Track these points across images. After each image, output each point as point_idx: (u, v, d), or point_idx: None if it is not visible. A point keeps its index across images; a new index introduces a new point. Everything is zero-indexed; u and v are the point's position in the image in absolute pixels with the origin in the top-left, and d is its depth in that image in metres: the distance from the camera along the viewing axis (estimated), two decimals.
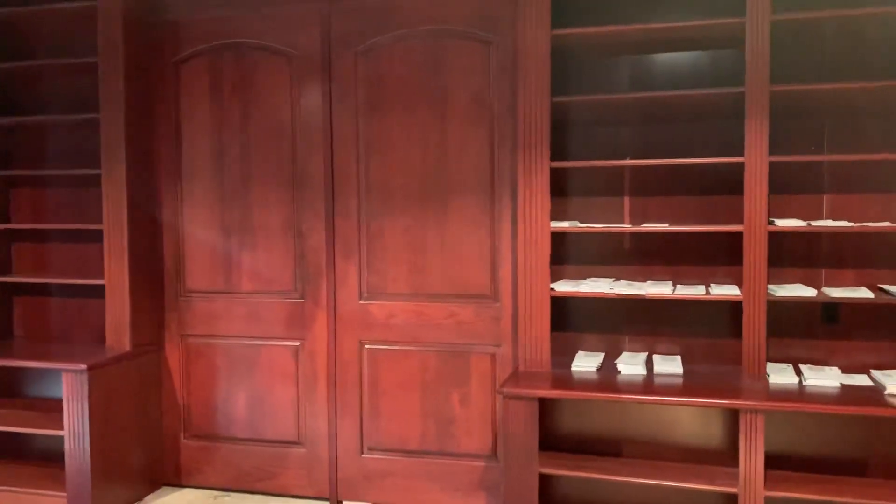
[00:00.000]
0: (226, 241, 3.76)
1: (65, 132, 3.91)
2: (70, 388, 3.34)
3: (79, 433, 3.34)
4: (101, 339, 3.74)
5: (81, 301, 3.92)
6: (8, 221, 3.97)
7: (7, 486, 3.55)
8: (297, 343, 3.69)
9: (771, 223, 2.95)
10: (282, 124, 3.66)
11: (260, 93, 3.67)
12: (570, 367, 3.18)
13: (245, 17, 3.66)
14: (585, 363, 3.17)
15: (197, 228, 3.80)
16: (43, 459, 3.78)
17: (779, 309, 3.06)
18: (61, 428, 3.38)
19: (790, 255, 3.13)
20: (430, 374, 3.53)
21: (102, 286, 3.66)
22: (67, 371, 3.34)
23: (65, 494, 3.39)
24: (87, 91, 3.71)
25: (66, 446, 3.36)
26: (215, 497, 3.74)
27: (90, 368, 3.33)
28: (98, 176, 3.64)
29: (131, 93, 3.61)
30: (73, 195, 3.91)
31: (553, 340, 3.18)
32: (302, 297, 3.67)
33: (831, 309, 3.10)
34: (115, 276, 3.61)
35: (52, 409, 3.66)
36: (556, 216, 3.23)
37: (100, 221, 3.67)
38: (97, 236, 3.73)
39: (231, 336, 3.77)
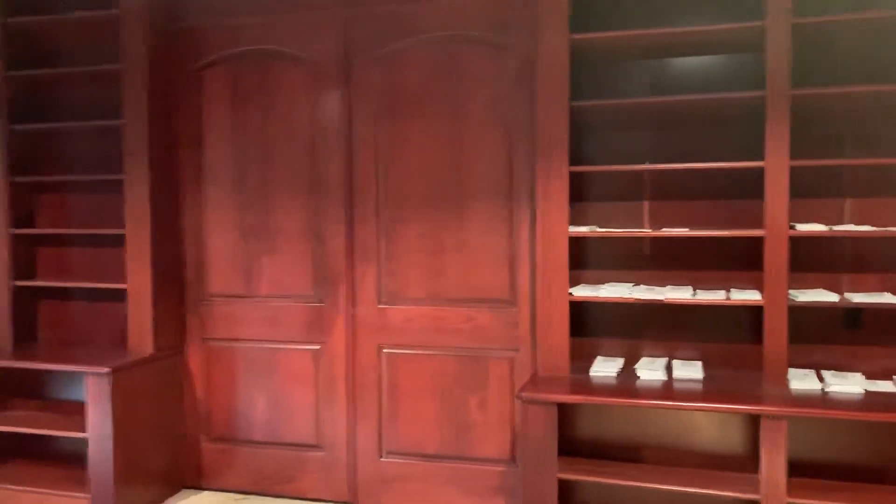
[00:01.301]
0: (246, 245, 3.79)
1: (88, 138, 3.96)
2: (93, 390, 3.39)
3: (102, 436, 3.38)
4: (124, 342, 3.78)
5: (104, 305, 3.96)
6: (32, 226, 4.02)
7: (31, 487, 3.59)
8: (317, 347, 3.71)
9: (792, 227, 2.92)
10: (301, 130, 3.69)
11: (279, 99, 3.71)
12: (588, 372, 3.17)
13: (265, 24, 3.70)
14: (604, 368, 3.16)
15: (217, 233, 3.83)
16: (66, 461, 3.83)
17: (800, 314, 3.04)
18: (84, 430, 3.42)
19: (811, 259, 3.10)
20: (447, 379, 3.54)
21: (125, 290, 3.70)
22: (90, 374, 3.38)
23: (88, 496, 3.43)
24: (110, 98, 3.77)
25: (90, 449, 3.40)
26: (235, 500, 3.77)
27: (113, 371, 3.37)
28: (121, 181, 3.69)
29: (153, 99, 3.66)
30: (96, 200, 3.96)
31: (571, 345, 3.17)
32: (321, 302, 3.69)
33: (854, 314, 3.06)
34: (138, 281, 3.65)
35: (75, 412, 3.71)
36: (574, 221, 3.22)
37: (122, 226, 3.71)
38: (120, 241, 3.77)
39: (251, 340, 3.80)
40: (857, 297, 2.90)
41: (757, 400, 2.80)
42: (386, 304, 3.61)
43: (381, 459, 3.64)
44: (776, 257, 2.91)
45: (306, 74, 3.67)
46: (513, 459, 3.46)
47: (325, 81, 3.64)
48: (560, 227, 3.13)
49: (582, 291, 3.16)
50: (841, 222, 3.06)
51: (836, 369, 3.08)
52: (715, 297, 3.00)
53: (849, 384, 2.88)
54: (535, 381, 3.11)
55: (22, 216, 3.95)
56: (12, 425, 3.64)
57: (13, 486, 3.61)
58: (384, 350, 3.62)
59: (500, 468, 3.48)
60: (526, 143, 3.37)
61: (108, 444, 3.37)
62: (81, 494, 3.47)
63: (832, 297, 2.90)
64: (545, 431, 2.93)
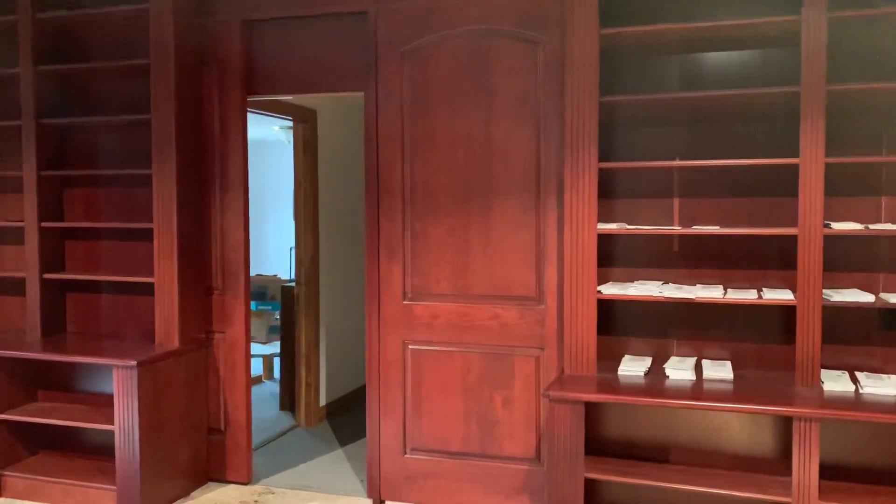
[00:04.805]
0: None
1: (117, 133, 3.98)
2: (120, 383, 3.40)
3: (128, 428, 3.40)
4: (150, 335, 3.79)
5: (131, 298, 3.97)
6: (62, 220, 4.05)
7: (59, 478, 3.63)
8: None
9: (827, 226, 2.86)
10: None
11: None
12: (616, 371, 3.13)
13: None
14: (632, 367, 3.12)
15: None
16: (94, 453, 3.86)
17: (834, 314, 2.98)
18: (112, 422, 3.45)
19: (846, 259, 3.04)
20: (473, 376, 3.51)
21: (152, 284, 3.71)
22: (118, 367, 3.40)
23: (114, 488, 3.45)
24: (139, 92, 3.77)
25: (117, 441, 3.42)
26: (259, 493, 3.78)
27: (140, 364, 3.39)
28: (149, 176, 3.69)
29: (181, 94, 3.66)
30: (124, 194, 3.97)
31: (599, 344, 3.14)
32: None
33: (890, 315, 3.00)
34: (165, 274, 3.67)
35: (102, 404, 3.74)
36: (603, 217, 3.18)
37: (150, 220, 3.72)
38: (147, 235, 3.78)
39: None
40: (894, 298, 2.83)
41: (789, 401, 2.75)
42: (411, 299, 3.59)
43: (406, 456, 3.63)
44: (810, 256, 2.86)
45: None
46: (538, 458, 3.43)
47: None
48: (588, 224, 3.10)
49: (610, 289, 3.12)
50: (878, 221, 2.99)
51: (870, 371, 3.01)
52: (746, 296, 2.95)
53: (884, 386, 2.82)
54: (561, 380, 3.08)
55: (51, 210, 3.97)
56: (41, 417, 3.68)
57: (41, 477, 3.66)
58: (409, 346, 3.60)
59: (525, 467, 3.45)
60: (555, 139, 3.34)
61: (135, 437, 3.39)
62: (108, 486, 3.50)
63: (868, 298, 2.84)
64: (572, 430, 2.90)
